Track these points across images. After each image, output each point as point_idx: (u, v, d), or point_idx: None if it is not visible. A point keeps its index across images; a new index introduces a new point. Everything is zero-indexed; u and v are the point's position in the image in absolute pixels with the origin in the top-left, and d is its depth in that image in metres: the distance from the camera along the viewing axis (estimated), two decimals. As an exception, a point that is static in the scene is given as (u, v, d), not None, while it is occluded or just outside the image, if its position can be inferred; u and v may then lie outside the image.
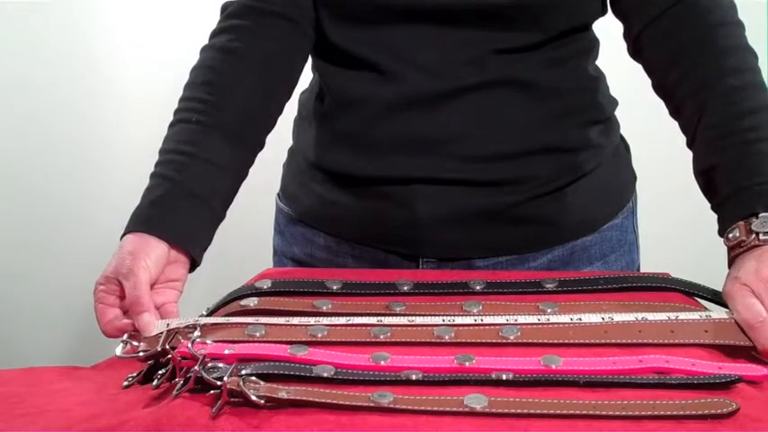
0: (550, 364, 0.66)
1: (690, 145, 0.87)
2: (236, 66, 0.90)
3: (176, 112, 0.89)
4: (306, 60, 0.96)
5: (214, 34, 0.93)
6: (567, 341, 0.71)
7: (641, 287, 0.81)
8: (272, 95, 0.92)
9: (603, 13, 0.95)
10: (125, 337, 0.76)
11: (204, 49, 0.93)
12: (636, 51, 0.92)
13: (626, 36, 0.93)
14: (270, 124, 0.93)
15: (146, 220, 0.82)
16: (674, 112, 0.89)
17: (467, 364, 0.67)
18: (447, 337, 0.72)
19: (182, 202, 0.83)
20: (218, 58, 0.91)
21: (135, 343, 0.75)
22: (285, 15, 0.92)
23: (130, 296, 0.76)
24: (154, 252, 0.80)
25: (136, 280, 0.77)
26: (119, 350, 0.75)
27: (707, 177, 0.83)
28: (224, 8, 0.95)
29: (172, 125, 0.88)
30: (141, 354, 0.72)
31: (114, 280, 0.78)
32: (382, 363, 0.67)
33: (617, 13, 0.93)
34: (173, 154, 0.86)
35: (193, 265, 0.84)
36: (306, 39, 0.94)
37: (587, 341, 0.71)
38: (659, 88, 0.90)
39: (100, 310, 0.78)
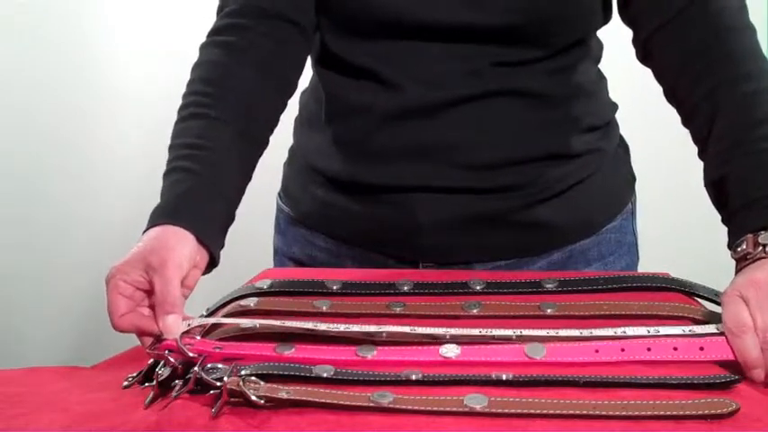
0: (535, 356, 0.67)
1: (701, 155, 0.84)
2: (240, 62, 0.88)
3: (183, 107, 0.86)
4: (305, 62, 0.95)
5: (213, 32, 0.91)
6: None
7: (641, 287, 0.81)
8: (273, 93, 0.91)
9: (606, 22, 0.94)
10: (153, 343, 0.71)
11: (204, 46, 0.91)
12: (645, 56, 0.90)
13: (634, 41, 0.91)
14: (273, 121, 0.91)
15: (183, 214, 0.77)
16: (686, 121, 0.86)
17: (452, 356, 0.67)
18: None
19: (209, 199, 0.80)
20: (220, 53, 0.89)
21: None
22: (286, 17, 0.90)
23: (161, 293, 0.71)
24: (187, 248, 0.75)
25: (170, 276, 0.71)
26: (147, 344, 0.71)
27: (717, 188, 0.79)
28: (222, 6, 0.93)
29: (182, 119, 0.85)
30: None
31: (140, 271, 0.72)
32: (369, 356, 0.68)
33: (625, 19, 0.91)
34: (191, 149, 0.82)
35: (210, 267, 0.80)
36: (306, 41, 0.93)
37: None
38: (671, 96, 0.88)
39: (114, 300, 0.72)
